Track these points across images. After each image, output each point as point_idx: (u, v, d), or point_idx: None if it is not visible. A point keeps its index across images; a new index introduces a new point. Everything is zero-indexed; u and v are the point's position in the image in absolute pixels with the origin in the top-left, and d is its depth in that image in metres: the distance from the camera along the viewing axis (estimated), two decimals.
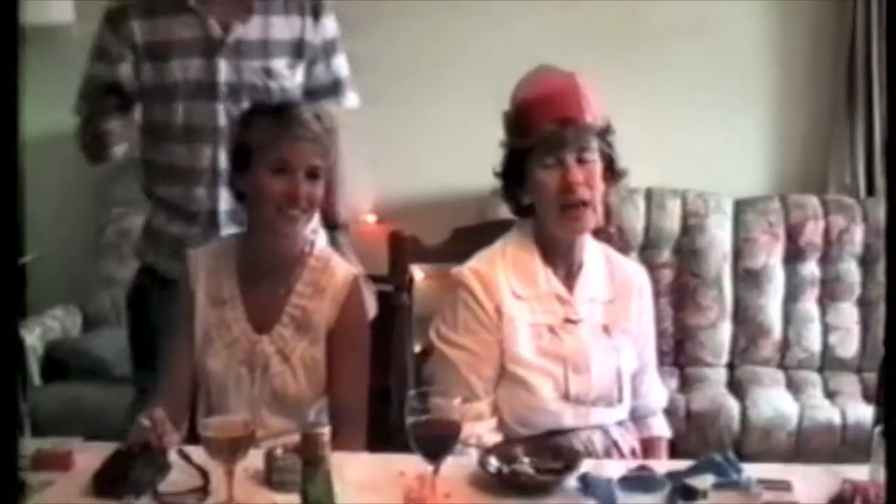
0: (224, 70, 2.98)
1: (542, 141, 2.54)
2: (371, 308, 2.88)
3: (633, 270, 2.80)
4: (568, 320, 2.60)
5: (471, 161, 4.33)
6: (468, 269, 2.62)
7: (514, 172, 2.62)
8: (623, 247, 4.08)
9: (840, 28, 4.31)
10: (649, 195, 4.30)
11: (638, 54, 4.43)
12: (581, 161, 2.55)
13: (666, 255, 4.30)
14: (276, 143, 2.61)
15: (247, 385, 2.70)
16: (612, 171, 2.62)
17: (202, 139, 2.99)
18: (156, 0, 2.99)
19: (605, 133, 2.60)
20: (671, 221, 4.29)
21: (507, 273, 2.61)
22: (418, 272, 3.12)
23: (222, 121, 2.97)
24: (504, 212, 4.07)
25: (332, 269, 2.74)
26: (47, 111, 4.39)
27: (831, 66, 4.36)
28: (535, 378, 2.56)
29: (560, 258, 2.64)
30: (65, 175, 4.52)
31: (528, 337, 2.58)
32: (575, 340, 2.59)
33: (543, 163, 2.55)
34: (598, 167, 2.57)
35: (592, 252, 2.68)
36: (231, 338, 2.71)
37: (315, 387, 2.69)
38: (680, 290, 4.27)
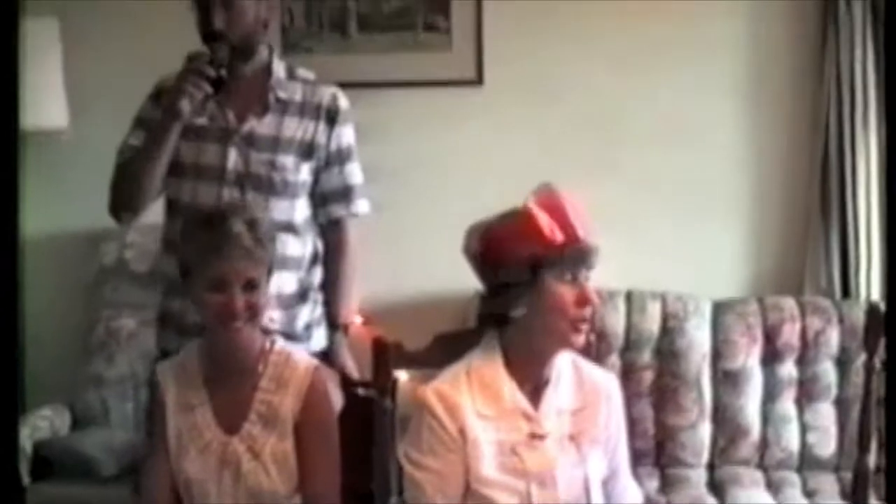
0: (233, 158, 3.17)
1: (565, 257, 2.58)
2: (337, 400, 2.95)
3: (601, 377, 2.81)
4: (533, 435, 2.62)
5: (455, 264, 4.45)
6: (431, 391, 2.64)
7: (519, 282, 2.63)
8: (604, 349, 4.16)
9: (813, 134, 4.41)
10: (629, 297, 4.35)
11: (617, 157, 4.52)
12: (586, 279, 2.62)
13: (646, 356, 4.33)
14: (210, 262, 2.68)
15: (226, 486, 2.76)
16: None
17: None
18: None
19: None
20: (651, 323, 4.33)
21: (471, 392, 2.62)
22: (402, 374, 3.17)
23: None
24: None
25: (294, 362, 2.81)
26: (40, 213, 4.50)
27: (806, 171, 4.45)
28: (500, 495, 2.58)
29: (530, 372, 2.67)
30: (55, 276, 4.60)
31: (492, 455, 2.60)
32: (540, 455, 2.61)
33: (563, 277, 2.59)
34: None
35: (561, 361, 2.71)
36: (203, 442, 2.77)
37: (288, 482, 2.75)
38: (660, 391, 4.30)
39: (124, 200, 3.26)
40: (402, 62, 4.57)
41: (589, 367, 2.81)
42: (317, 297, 3.36)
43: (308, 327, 3.30)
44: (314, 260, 3.35)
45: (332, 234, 3.39)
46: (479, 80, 4.53)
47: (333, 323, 3.39)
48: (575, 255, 2.58)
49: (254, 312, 2.73)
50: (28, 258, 4.02)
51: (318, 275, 3.37)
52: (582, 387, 2.73)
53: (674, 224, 4.53)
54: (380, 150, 4.27)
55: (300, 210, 3.29)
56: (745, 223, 4.59)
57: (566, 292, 2.58)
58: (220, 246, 2.67)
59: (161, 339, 3.32)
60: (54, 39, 4.38)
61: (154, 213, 3.36)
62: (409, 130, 4.58)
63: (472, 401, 2.61)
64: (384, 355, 2.97)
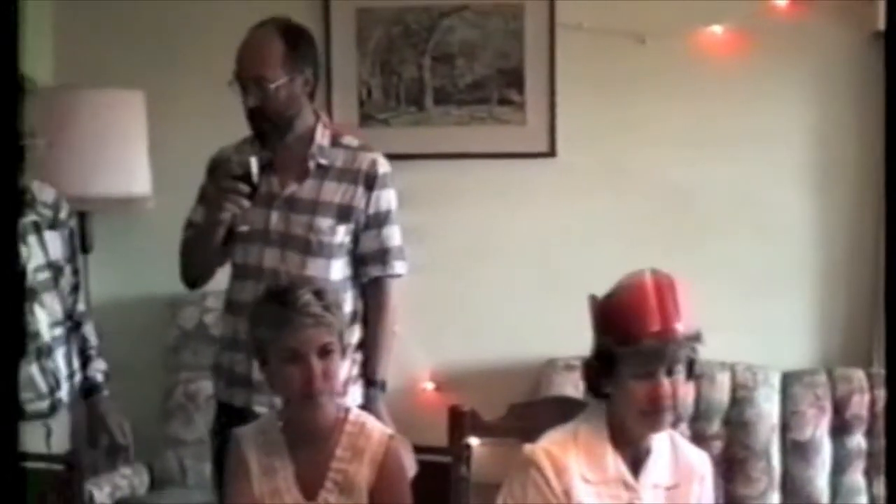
0: (275, 219, 3.36)
1: (638, 353, 2.58)
2: (411, 467, 2.95)
3: (696, 456, 2.81)
4: None
5: (527, 332, 4.54)
6: (541, 450, 2.66)
7: (603, 366, 2.65)
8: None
9: (878, 208, 4.42)
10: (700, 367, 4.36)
11: (687, 233, 4.56)
12: (670, 373, 2.59)
13: (716, 426, 4.35)
14: (283, 335, 2.73)
15: None
16: (690, 374, 2.66)
17: (252, 277, 3.36)
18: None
19: (695, 341, 2.63)
20: (721, 393, 4.35)
21: (577, 457, 2.64)
22: (474, 440, 3.20)
23: (268, 263, 3.36)
24: (559, 385, 4.22)
25: (368, 431, 2.84)
26: (122, 277, 4.62)
27: (872, 247, 4.47)
28: None
29: (631, 445, 2.68)
30: (137, 338, 4.68)
31: None
32: None
33: (634, 372, 2.59)
34: (682, 377, 2.62)
35: (659, 437, 2.71)
36: None
37: None
38: (729, 461, 4.31)
39: (190, 271, 3.49)
40: (477, 134, 4.64)
41: (685, 445, 2.81)
42: (354, 355, 3.43)
43: (345, 383, 3.36)
44: (353, 318, 3.44)
45: (371, 294, 3.49)
46: (551, 153, 4.60)
47: (371, 379, 3.48)
48: (646, 353, 2.57)
49: (329, 380, 2.77)
50: (111, 320, 4.13)
51: (356, 333, 3.45)
52: (677, 464, 2.73)
53: (743, 297, 4.54)
54: (453, 218, 4.37)
55: (336, 269, 3.40)
56: (814, 297, 4.60)
57: (637, 388, 2.59)
58: (292, 317, 2.73)
59: (215, 389, 3.53)
60: (140, 110, 4.52)
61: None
62: (482, 200, 4.65)
63: (578, 464, 2.63)
64: (460, 423, 3.01)
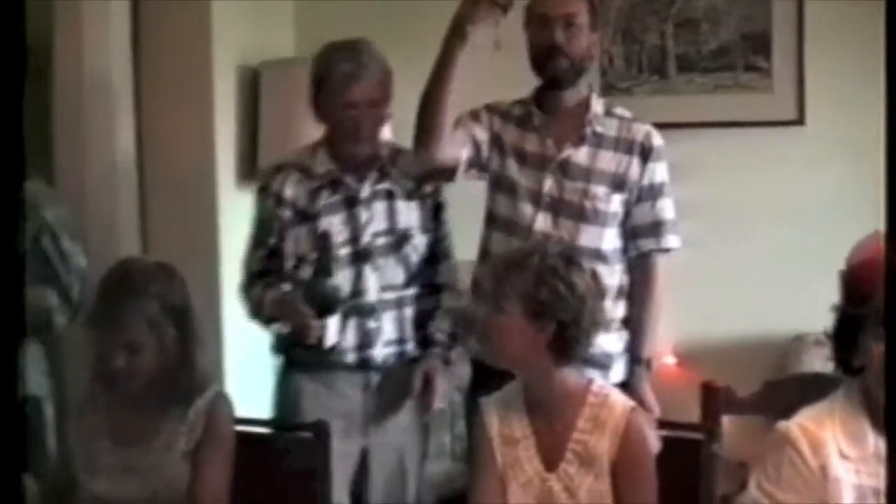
0: (549, 184, 3.35)
1: (879, 313, 2.47)
2: (654, 443, 2.89)
3: None
4: None
5: (773, 306, 4.42)
6: (796, 425, 2.58)
7: (847, 335, 2.57)
8: None
9: None
10: None
11: None
12: None
13: None
14: None
15: None
16: None
17: (519, 236, 3.34)
18: (512, 113, 3.45)
19: None
20: None
21: (834, 432, 2.55)
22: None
23: (539, 226, 3.33)
24: (807, 362, 4.10)
25: (612, 403, 2.78)
26: None
27: None
28: None
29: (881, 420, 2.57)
30: None
31: (851, 499, 2.53)
32: None
33: (878, 334, 2.48)
34: None
35: None
36: (525, 477, 2.78)
37: None
38: None
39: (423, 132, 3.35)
40: (721, 103, 4.57)
41: None
42: (619, 328, 3.40)
43: (608, 356, 3.33)
44: (619, 292, 3.40)
45: (640, 268, 3.44)
46: (800, 121, 4.47)
47: (636, 357, 3.42)
48: None
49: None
50: None
51: (621, 308, 3.41)
52: None
53: None
54: (696, 189, 4.27)
55: (608, 240, 3.38)
56: None
57: (882, 351, 2.44)
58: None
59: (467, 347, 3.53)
60: None
61: None
62: (726, 171, 4.57)
63: (836, 440, 2.55)
64: (714, 399, 2.94)
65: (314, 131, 3.62)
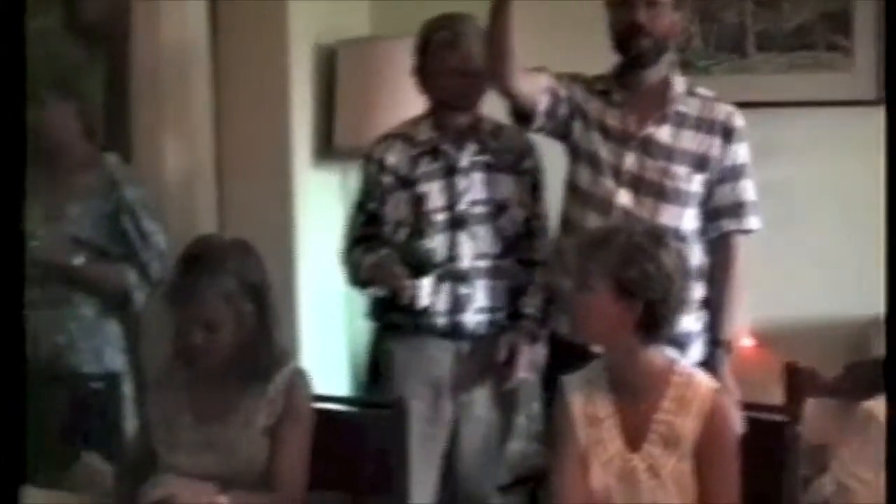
0: (630, 161, 3.35)
1: None
2: (737, 425, 2.90)
3: None
4: None
5: (852, 287, 4.36)
6: (882, 405, 2.58)
7: None
8: None
9: None
10: None
11: None
12: None
13: None
14: None
15: (619, 502, 2.76)
16: None
17: (599, 211, 3.35)
18: (594, 87, 3.46)
19: None
20: None
21: None
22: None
23: (620, 202, 3.33)
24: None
25: (696, 384, 2.78)
26: None
27: None
28: None
29: None
30: None
31: None
32: None
33: None
34: None
35: None
36: (607, 456, 2.79)
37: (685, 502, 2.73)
38: None
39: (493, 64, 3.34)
40: (801, 82, 4.51)
41: None
42: (698, 308, 3.38)
43: (687, 335, 3.31)
44: (698, 273, 3.37)
45: (720, 249, 3.43)
46: (880, 101, 4.39)
47: (716, 338, 3.40)
48: None
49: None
50: None
51: (700, 288, 3.39)
52: None
53: None
54: (775, 169, 4.21)
55: (688, 220, 3.38)
56: None
57: None
58: None
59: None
60: None
61: None
62: (806, 150, 4.51)
63: None
64: (797, 381, 2.92)
65: (390, 110, 3.64)
